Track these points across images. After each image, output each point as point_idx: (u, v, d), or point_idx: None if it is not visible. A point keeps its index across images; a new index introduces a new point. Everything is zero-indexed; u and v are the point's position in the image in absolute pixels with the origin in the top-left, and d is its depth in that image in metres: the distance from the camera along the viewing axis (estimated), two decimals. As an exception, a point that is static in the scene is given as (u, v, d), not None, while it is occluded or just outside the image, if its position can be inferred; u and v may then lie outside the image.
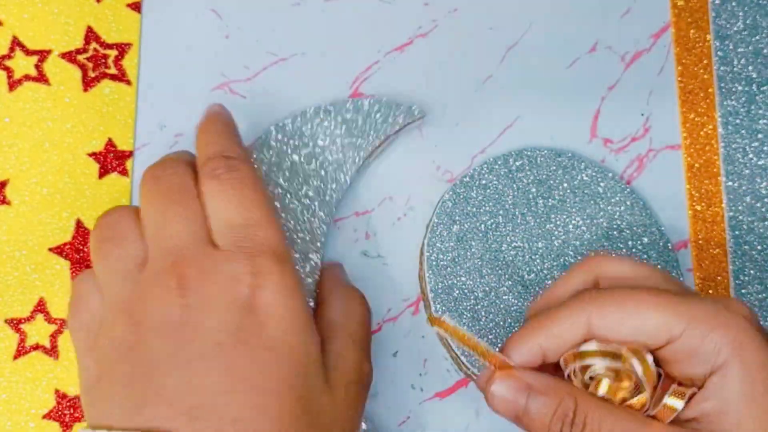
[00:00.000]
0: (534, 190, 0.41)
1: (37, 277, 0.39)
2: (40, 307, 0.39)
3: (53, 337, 0.38)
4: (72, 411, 0.38)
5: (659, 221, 0.42)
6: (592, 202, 0.41)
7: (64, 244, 0.39)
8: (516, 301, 0.39)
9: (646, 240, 0.41)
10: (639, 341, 0.30)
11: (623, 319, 0.30)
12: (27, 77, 0.41)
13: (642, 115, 0.44)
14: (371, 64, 0.43)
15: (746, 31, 0.47)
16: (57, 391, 0.38)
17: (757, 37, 0.47)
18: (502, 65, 0.44)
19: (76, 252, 0.39)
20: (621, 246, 0.41)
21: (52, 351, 0.38)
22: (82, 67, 0.41)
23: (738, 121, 0.45)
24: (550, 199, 0.41)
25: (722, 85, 0.46)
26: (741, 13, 0.47)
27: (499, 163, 0.41)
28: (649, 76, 0.44)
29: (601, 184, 0.41)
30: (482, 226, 0.40)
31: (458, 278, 0.39)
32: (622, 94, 0.44)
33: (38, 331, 0.38)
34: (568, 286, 0.34)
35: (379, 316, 0.40)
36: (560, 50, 0.44)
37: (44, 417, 0.38)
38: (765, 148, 0.45)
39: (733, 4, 0.47)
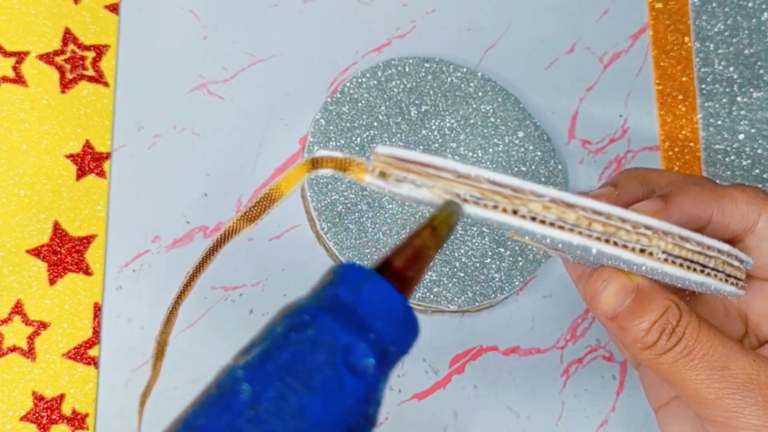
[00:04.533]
0: (405, 98, 0.41)
1: (14, 279, 0.39)
2: (18, 309, 0.39)
3: (30, 339, 0.38)
4: (49, 413, 0.38)
5: (532, 114, 0.42)
6: (464, 103, 0.41)
7: (42, 246, 0.39)
8: (400, 209, 0.40)
9: (521, 134, 0.41)
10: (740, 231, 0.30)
11: (733, 212, 0.30)
12: (4, 79, 0.41)
13: (620, 116, 0.44)
14: (349, 65, 0.43)
15: (727, 32, 0.47)
16: (34, 393, 0.38)
17: (738, 38, 0.47)
18: (480, 66, 0.44)
19: (54, 254, 0.39)
20: (498, 142, 0.41)
21: (30, 353, 0.38)
22: (60, 69, 0.41)
23: (719, 122, 0.45)
24: (422, 106, 0.41)
25: (703, 86, 0.46)
26: (721, 15, 0.47)
27: (368, 75, 0.41)
28: (628, 78, 0.44)
29: (471, 84, 0.42)
30: (358, 139, 0.40)
31: (340, 193, 0.39)
32: (601, 95, 0.44)
33: (15, 333, 0.38)
34: (626, 197, 0.32)
35: (357, 317, 0.40)
36: (539, 51, 0.44)
37: (21, 419, 0.38)
38: (747, 150, 0.45)
39: (714, 5, 0.47)
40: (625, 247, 0.25)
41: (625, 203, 0.30)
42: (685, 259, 0.26)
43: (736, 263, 0.28)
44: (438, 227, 0.23)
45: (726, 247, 0.27)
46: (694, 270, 0.26)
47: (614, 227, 0.24)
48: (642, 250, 0.25)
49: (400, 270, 0.22)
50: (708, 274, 0.26)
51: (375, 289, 0.21)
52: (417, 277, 0.22)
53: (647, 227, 0.25)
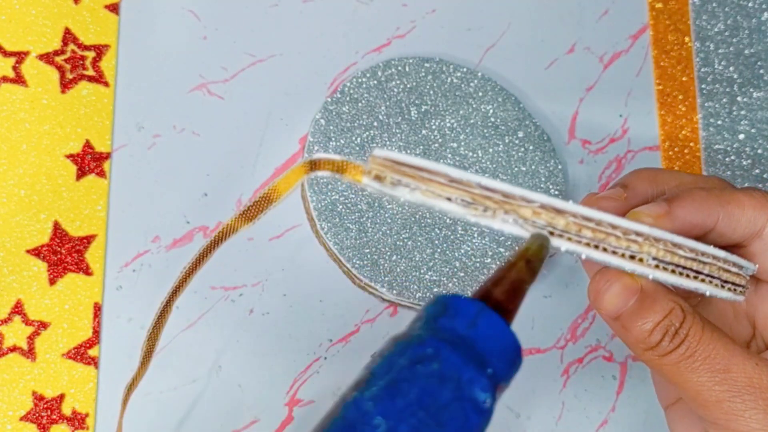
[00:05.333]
0: (405, 98, 0.41)
1: (15, 279, 0.39)
2: (18, 309, 0.39)
3: (30, 338, 0.38)
4: (49, 413, 0.38)
5: (532, 114, 0.42)
6: (464, 103, 0.41)
7: (42, 246, 0.39)
8: (400, 209, 0.40)
9: (521, 134, 0.41)
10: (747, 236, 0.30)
11: (739, 217, 0.30)
12: (4, 79, 0.41)
13: (620, 116, 0.44)
14: (349, 65, 0.43)
15: (727, 32, 0.47)
16: (34, 393, 0.38)
17: (738, 38, 0.47)
18: (480, 66, 0.44)
19: (54, 254, 0.39)
20: (498, 142, 0.41)
21: (30, 353, 0.38)
22: (60, 69, 0.41)
23: (719, 122, 0.45)
24: (422, 106, 0.41)
25: (703, 86, 0.46)
26: (721, 15, 0.47)
27: (368, 75, 0.41)
28: (628, 78, 0.44)
29: (471, 84, 0.42)
30: (358, 139, 0.40)
31: (340, 193, 0.39)
32: (601, 95, 0.44)
33: (15, 333, 0.38)
34: (635, 199, 0.31)
35: (357, 317, 0.40)
36: (538, 51, 0.44)
37: (21, 419, 0.38)
38: (747, 150, 0.45)
39: (714, 5, 0.47)
40: (614, 253, 0.25)
41: (633, 205, 0.30)
42: (677, 266, 0.26)
43: (734, 269, 0.28)
44: (532, 260, 0.23)
45: (722, 253, 0.27)
46: (687, 276, 0.26)
47: (604, 233, 0.25)
48: (632, 257, 0.25)
49: (502, 303, 0.22)
50: (702, 280, 0.26)
51: (490, 324, 0.21)
52: (516, 310, 0.23)
53: (638, 234, 0.25)
